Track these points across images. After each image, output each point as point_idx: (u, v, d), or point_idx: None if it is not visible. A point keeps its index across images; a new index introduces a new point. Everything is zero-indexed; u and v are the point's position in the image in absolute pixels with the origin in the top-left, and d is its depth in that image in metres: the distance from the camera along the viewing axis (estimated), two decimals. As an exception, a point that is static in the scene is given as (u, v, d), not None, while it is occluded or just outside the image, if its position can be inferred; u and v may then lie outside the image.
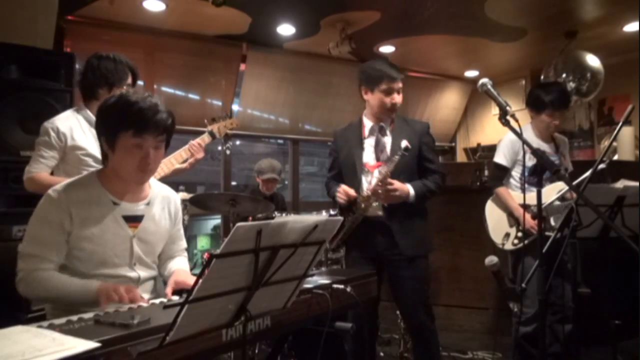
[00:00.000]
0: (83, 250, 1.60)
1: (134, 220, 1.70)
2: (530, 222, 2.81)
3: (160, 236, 1.80)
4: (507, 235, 2.98)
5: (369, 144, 2.55)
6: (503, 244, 2.98)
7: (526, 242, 2.82)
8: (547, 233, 2.58)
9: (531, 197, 2.47)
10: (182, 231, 1.93)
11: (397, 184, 2.35)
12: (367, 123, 2.59)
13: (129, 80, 2.40)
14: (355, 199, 2.45)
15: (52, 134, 2.25)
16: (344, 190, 2.47)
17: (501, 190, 3.02)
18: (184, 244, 1.95)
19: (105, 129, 1.63)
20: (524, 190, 2.91)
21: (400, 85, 2.50)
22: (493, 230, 3.06)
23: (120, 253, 1.66)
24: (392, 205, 2.41)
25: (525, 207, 2.75)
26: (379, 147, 2.52)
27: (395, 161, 2.31)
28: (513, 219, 2.98)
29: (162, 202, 1.81)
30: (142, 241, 1.71)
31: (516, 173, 3.03)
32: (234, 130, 2.97)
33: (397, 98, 2.50)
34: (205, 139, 2.77)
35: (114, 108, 1.60)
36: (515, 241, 2.93)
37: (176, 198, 1.89)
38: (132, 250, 1.68)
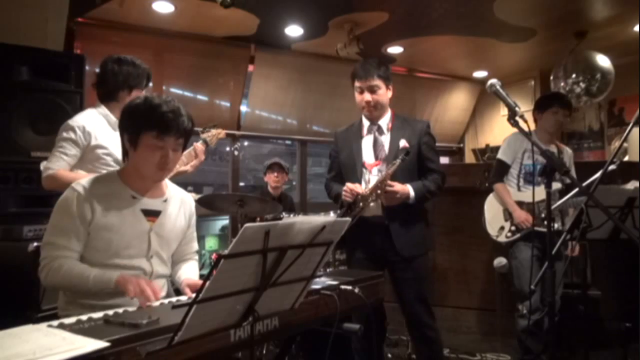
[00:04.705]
0: (101, 239, 1.66)
1: (152, 214, 1.77)
2: (521, 217, 2.99)
3: (176, 234, 1.86)
4: (502, 228, 3.14)
5: (367, 142, 2.55)
6: (497, 236, 3.15)
7: (519, 235, 3.01)
8: (536, 229, 2.86)
9: (525, 195, 2.98)
10: (195, 234, 1.99)
11: (397, 186, 2.33)
12: (365, 122, 2.60)
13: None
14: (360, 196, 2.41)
15: (79, 132, 2.24)
16: (350, 188, 2.42)
17: (499, 186, 3.17)
18: (196, 245, 2.00)
19: (130, 128, 1.71)
20: (519, 188, 3.12)
21: (370, 83, 2.45)
22: (489, 223, 3.22)
23: (137, 245, 1.72)
24: (392, 205, 2.39)
25: (520, 203, 3.04)
26: (377, 146, 2.52)
27: (396, 164, 2.29)
28: (508, 214, 3.13)
29: (178, 202, 1.88)
30: (158, 235, 1.77)
31: (514, 170, 3.16)
32: (237, 132, 3.03)
33: (367, 97, 2.46)
34: (200, 146, 2.80)
35: (140, 109, 1.69)
36: (509, 234, 3.09)
37: (191, 201, 1.96)
38: (150, 243, 1.74)
